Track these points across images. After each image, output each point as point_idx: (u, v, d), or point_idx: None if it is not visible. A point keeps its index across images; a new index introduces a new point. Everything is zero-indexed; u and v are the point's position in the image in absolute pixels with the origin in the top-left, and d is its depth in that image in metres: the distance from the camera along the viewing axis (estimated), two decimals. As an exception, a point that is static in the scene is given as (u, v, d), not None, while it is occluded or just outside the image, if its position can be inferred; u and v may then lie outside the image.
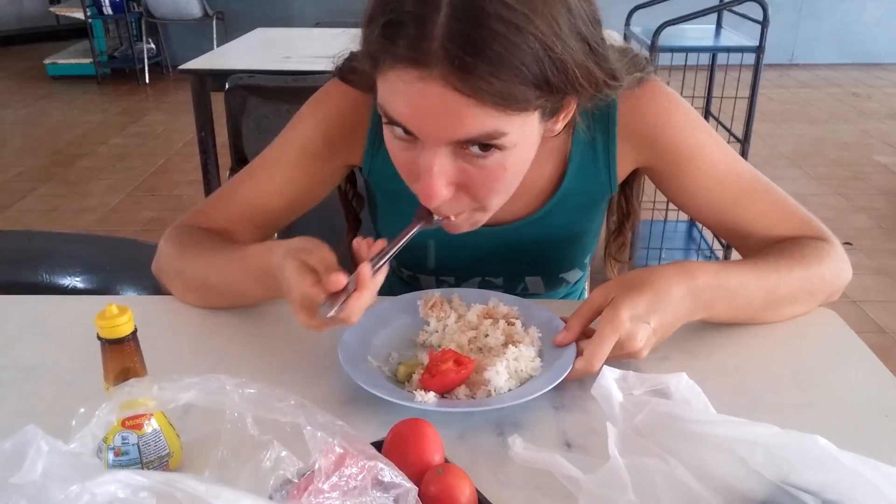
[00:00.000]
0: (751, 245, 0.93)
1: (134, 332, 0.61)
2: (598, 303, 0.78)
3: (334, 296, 0.68)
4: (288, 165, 0.93)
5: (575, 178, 0.92)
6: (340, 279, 0.68)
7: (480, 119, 0.66)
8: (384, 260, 0.72)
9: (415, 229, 0.78)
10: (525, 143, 0.73)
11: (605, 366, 0.72)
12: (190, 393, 0.45)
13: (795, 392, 0.77)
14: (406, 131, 0.70)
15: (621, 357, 0.76)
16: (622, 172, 0.94)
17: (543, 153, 0.85)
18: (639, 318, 0.75)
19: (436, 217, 0.78)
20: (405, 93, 0.67)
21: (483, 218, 0.80)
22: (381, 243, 0.72)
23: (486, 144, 0.69)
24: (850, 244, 3.09)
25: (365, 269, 0.69)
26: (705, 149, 0.91)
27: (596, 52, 0.71)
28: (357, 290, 0.68)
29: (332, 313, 0.67)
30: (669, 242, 2.81)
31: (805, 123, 4.90)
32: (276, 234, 1.34)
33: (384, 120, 0.73)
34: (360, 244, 0.72)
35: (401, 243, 0.75)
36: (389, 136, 0.74)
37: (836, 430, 0.69)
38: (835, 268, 0.89)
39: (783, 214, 0.92)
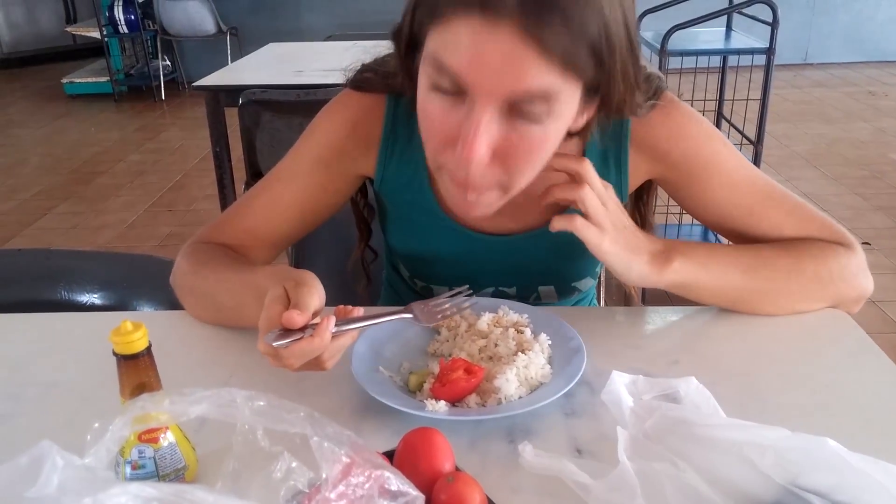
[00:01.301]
0: None
1: (148, 348, 0.62)
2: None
3: (287, 332, 0.68)
4: (302, 176, 0.94)
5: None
6: (297, 319, 0.67)
7: (543, 74, 0.67)
8: (351, 326, 0.72)
9: (395, 317, 0.79)
10: (565, 119, 0.74)
11: (614, 371, 0.72)
12: (201, 406, 0.46)
13: (806, 395, 0.77)
14: (453, 89, 0.70)
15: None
16: (634, 183, 0.94)
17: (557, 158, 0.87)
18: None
19: (421, 321, 0.81)
20: (469, 41, 0.67)
21: (500, 202, 0.80)
22: (359, 311, 0.73)
23: (534, 110, 0.70)
24: (869, 244, 3.07)
25: (328, 321, 0.69)
26: (719, 158, 0.91)
27: (634, 48, 0.73)
28: (310, 336, 0.68)
29: (274, 343, 0.67)
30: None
31: (820, 123, 4.86)
32: (290, 249, 1.36)
33: (428, 76, 0.72)
34: (340, 310, 0.73)
35: (375, 322, 0.76)
36: (428, 95, 0.74)
37: (847, 433, 0.69)
38: (841, 271, 0.89)
39: (799, 222, 0.91)
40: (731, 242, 0.96)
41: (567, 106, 0.72)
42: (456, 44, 0.68)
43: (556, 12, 0.65)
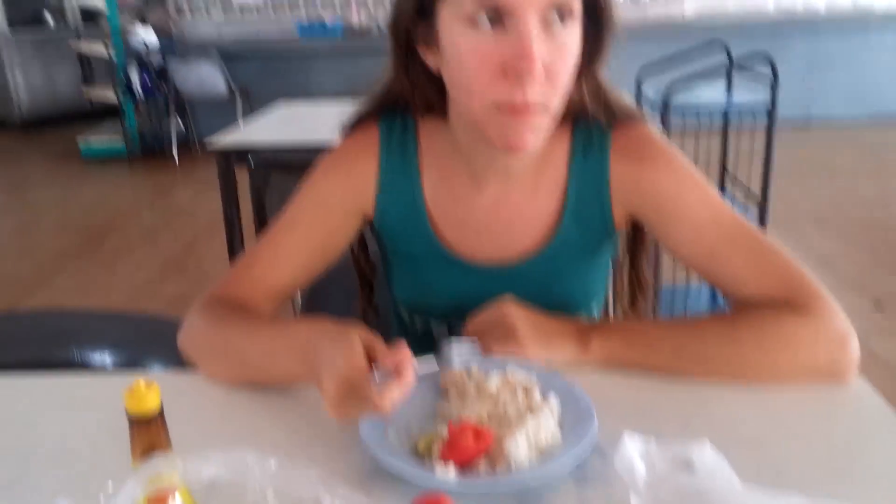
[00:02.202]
0: (732, 297, 0.92)
1: (161, 409, 0.62)
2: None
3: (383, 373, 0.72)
4: (303, 221, 0.98)
5: (574, 215, 0.96)
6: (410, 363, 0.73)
7: None
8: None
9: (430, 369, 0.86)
10: (578, 24, 0.83)
11: (625, 433, 0.72)
12: (213, 468, 0.46)
13: (823, 462, 0.75)
14: (494, 17, 0.78)
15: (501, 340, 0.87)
16: (617, 214, 0.98)
17: (543, 187, 0.97)
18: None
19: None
20: None
21: (544, 130, 0.86)
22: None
23: (564, 11, 0.80)
24: (881, 305, 3.03)
25: (410, 359, 0.73)
26: (687, 196, 0.92)
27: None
28: (398, 378, 0.71)
29: (379, 381, 0.71)
30: (693, 306, 2.78)
31: (826, 180, 4.88)
32: (299, 302, 1.37)
33: (464, 15, 0.80)
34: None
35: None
36: (466, 37, 0.81)
37: (864, 502, 0.68)
38: (789, 338, 0.84)
39: (760, 271, 0.89)
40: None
41: (577, 7, 0.82)
42: None
43: None
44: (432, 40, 0.86)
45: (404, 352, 0.73)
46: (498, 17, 0.78)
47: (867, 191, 4.61)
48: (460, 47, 0.82)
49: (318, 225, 0.98)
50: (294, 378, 0.85)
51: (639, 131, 0.96)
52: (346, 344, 0.74)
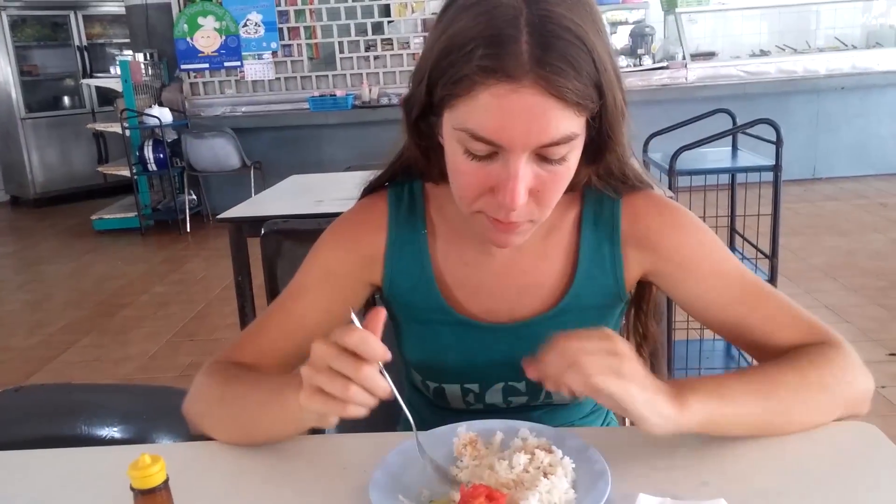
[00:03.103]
0: (758, 348, 0.93)
1: (166, 482, 0.62)
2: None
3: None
4: (312, 289, 0.98)
5: (586, 279, 0.96)
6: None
7: (564, 121, 0.77)
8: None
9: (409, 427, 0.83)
10: (580, 146, 0.83)
11: (641, 494, 0.71)
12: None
13: (843, 516, 0.74)
14: (487, 152, 0.79)
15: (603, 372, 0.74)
16: (630, 278, 0.97)
17: (553, 252, 0.97)
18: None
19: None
20: (498, 107, 0.76)
21: (530, 232, 0.88)
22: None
23: (560, 151, 0.79)
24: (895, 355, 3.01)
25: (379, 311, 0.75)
26: (708, 249, 0.94)
27: (618, 75, 0.82)
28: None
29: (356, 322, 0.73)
30: (707, 362, 2.75)
31: (835, 235, 4.88)
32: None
33: (459, 143, 0.80)
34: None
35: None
36: (462, 158, 0.81)
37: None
38: (842, 374, 0.86)
39: (789, 319, 0.92)
40: (725, 338, 0.98)
41: (581, 136, 0.81)
42: (486, 113, 0.77)
43: (565, 62, 0.75)
44: (440, 121, 0.87)
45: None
46: (492, 150, 0.79)
47: (876, 245, 4.60)
48: (454, 158, 0.83)
49: (327, 292, 0.98)
50: (295, 416, 0.81)
51: (650, 194, 0.97)
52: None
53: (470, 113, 0.78)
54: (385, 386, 0.73)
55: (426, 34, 0.97)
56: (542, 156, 0.79)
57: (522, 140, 0.77)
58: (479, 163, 0.80)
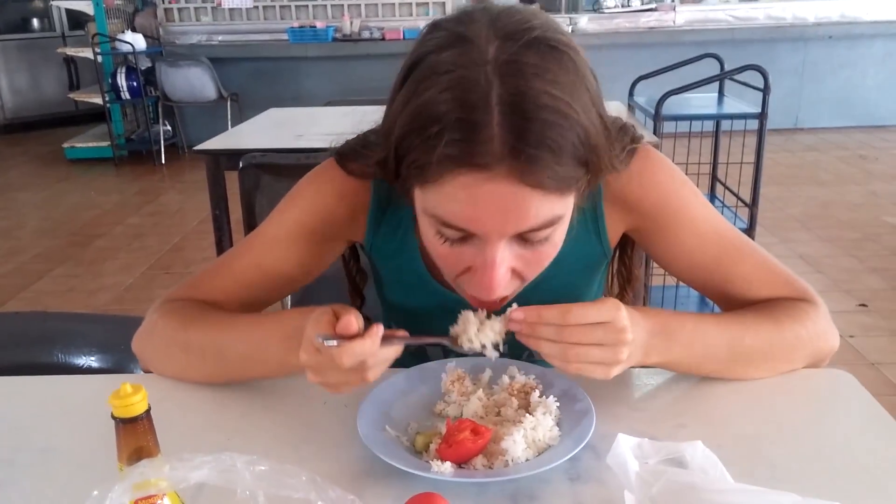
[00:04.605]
0: (735, 306, 0.93)
1: (148, 411, 0.61)
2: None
3: (339, 338, 0.69)
4: (286, 242, 0.93)
5: (567, 243, 0.93)
6: (353, 324, 0.69)
7: (546, 207, 0.70)
8: (399, 342, 0.73)
9: (438, 341, 0.80)
10: (568, 219, 0.76)
11: (620, 434, 0.71)
12: (202, 472, 0.45)
13: (815, 459, 0.76)
14: (460, 236, 0.73)
15: (594, 369, 0.75)
16: (613, 235, 0.96)
17: None
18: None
19: (462, 347, 0.78)
20: (469, 197, 0.69)
21: (518, 290, 0.82)
22: (402, 332, 0.75)
23: (542, 234, 0.73)
24: (866, 305, 3.07)
25: (377, 326, 0.70)
26: (688, 208, 0.92)
27: (607, 127, 0.75)
28: (361, 337, 0.69)
29: (327, 343, 0.68)
30: (682, 308, 2.79)
31: (813, 186, 4.92)
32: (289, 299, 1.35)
33: (431, 225, 0.74)
34: (389, 331, 0.73)
35: (420, 341, 0.79)
36: (435, 235, 0.75)
37: (857, 498, 0.68)
38: (814, 328, 0.88)
39: (767, 275, 0.92)
40: (702, 294, 0.97)
41: (568, 211, 0.75)
42: (455, 201, 0.70)
43: (543, 148, 0.67)
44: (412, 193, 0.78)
45: (376, 324, 0.71)
46: (466, 235, 0.73)
47: (853, 196, 4.65)
48: (428, 238, 0.77)
49: (301, 249, 0.94)
50: (285, 369, 0.82)
51: (633, 150, 0.91)
52: (314, 315, 0.73)
53: (439, 200, 0.71)
54: (392, 357, 0.73)
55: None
56: (523, 238, 0.73)
57: (498, 229, 0.71)
58: (454, 246, 0.75)
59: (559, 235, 0.76)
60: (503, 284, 0.74)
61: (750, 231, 2.77)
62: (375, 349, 0.70)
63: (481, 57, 0.68)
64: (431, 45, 0.72)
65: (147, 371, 0.93)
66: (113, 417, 0.60)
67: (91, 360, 1.11)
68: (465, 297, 0.82)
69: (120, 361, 1.12)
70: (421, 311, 1.00)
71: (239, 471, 0.45)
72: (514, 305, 0.76)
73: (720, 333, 0.85)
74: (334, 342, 0.68)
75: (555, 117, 0.67)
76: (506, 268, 0.74)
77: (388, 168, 0.77)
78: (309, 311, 0.76)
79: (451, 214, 0.71)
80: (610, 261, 1.05)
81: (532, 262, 0.76)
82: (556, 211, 0.71)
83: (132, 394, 0.60)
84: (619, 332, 0.73)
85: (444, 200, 0.70)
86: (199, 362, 0.89)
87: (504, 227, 0.71)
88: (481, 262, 0.73)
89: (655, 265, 1.03)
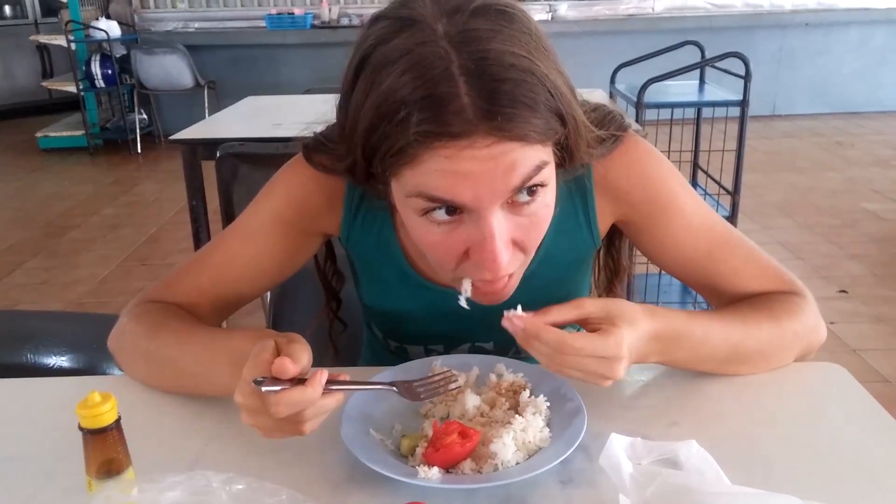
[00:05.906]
0: (724, 300, 0.92)
1: (117, 421, 0.58)
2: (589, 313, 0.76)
3: (277, 381, 0.65)
4: (261, 235, 0.91)
5: (557, 235, 0.91)
6: (290, 367, 0.65)
7: (530, 155, 0.68)
8: (339, 388, 0.69)
9: (380, 387, 0.77)
10: (554, 177, 0.74)
11: (612, 434, 0.69)
12: (174, 493, 0.42)
13: (810, 454, 0.74)
14: (450, 211, 0.70)
15: (588, 378, 0.73)
16: (603, 226, 0.93)
17: None
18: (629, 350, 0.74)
19: (405, 397, 0.77)
20: (452, 166, 0.66)
21: (519, 278, 0.79)
22: (345, 376, 0.71)
23: (533, 187, 0.70)
24: (846, 292, 3.08)
25: (321, 374, 0.66)
26: (679, 201, 0.90)
27: (571, 88, 0.73)
28: (302, 385, 0.65)
29: (264, 388, 0.64)
30: (665, 296, 2.79)
31: (792, 173, 4.95)
32: (269, 312, 1.32)
33: (417, 208, 0.71)
34: (334, 373, 0.70)
35: (360, 388, 0.77)
36: (423, 225, 0.72)
37: (854, 493, 0.67)
38: (808, 322, 0.88)
39: (757, 269, 0.91)
40: (690, 287, 0.96)
41: (551, 163, 0.73)
42: (439, 174, 0.67)
43: (518, 105, 0.66)
44: (388, 189, 0.76)
45: (319, 370, 0.67)
46: (456, 211, 0.70)
47: (831, 183, 4.68)
48: (415, 229, 0.74)
49: (276, 241, 0.91)
50: (221, 387, 0.78)
51: (622, 139, 0.89)
52: (255, 350, 0.69)
53: (422, 178, 0.68)
54: (333, 406, 0.69)
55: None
56: (515, 201, 0.71)
57: (488, 193, 0.68)
58: (445, 228, 0.71)
59: (550, 196, 0.74)
60: (507, 257, 0.72)
61: (732, 219, 2.77)
62: (316, 398, 0.66)
63: (433, 34, 0.67)
64: (377, 37, 0.70)
65: (121, 370, 0.90)
66: (80, 428, 0.57)
67: (62, 360, 1.07)
68: (459, 289, 0.79)
69: (92, 361, 1.08)
70: (403, 313, 0.97)
71: (214, 491, 0.42)
72: (519, 308, 0.74)
73: (725, 336, 0.84)
74: (275, 388, 0.64)
75: (523, 75, 0.66)
76: (505, 239, 0.71)
77: (357, 171, 0.75)
78: (258, 337, 0.72)
79: (438, 188, 0.68)
80: (597, 253, 1.03)
81: (530, 228, 0.74)
82: (541, 157, 0.70)
83: (100, 403, 0.57)
84: (617, 362, 0.72)
85: (427, 178, 0.68)
86: (159, 373, 0.86)
87: (494, 189, 0.68)
88: (479, 238, 0.70)
89: (638, 253, 1.01)
